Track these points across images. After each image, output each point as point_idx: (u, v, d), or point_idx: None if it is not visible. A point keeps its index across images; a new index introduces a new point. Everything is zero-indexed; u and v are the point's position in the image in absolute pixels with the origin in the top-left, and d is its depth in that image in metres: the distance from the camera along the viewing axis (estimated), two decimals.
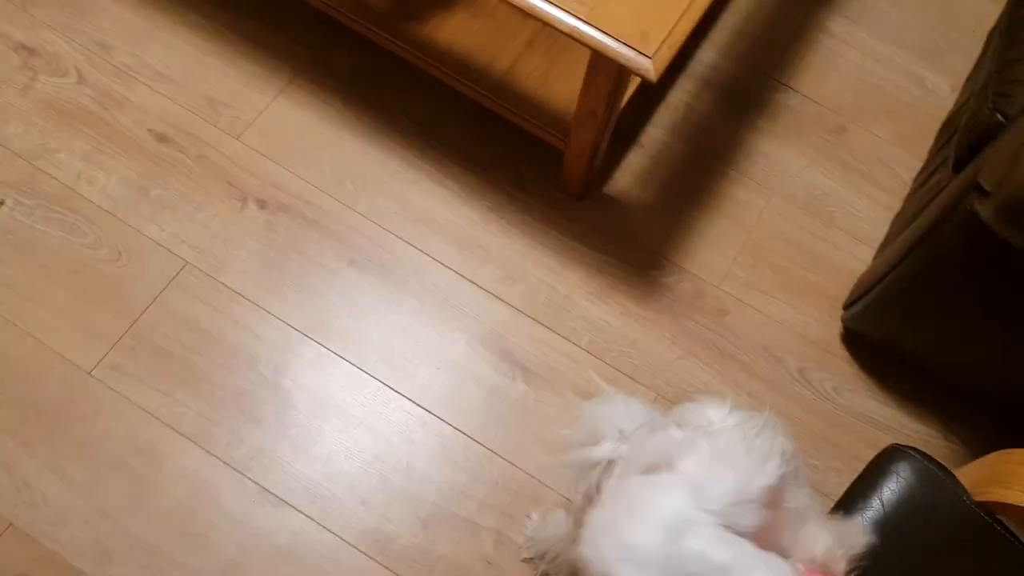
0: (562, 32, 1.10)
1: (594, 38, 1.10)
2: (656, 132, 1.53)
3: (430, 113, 1.50)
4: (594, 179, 1.48)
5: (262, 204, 1.41)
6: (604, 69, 1.18)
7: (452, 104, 1.50)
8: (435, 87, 1.47)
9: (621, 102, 1.34)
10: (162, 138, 1.44)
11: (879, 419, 1.36)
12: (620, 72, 1.18)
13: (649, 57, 1.08)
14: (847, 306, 1.37)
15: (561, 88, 1.40)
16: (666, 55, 1.09)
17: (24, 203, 1.38)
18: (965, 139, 1.08)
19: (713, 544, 0.70)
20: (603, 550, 0.73)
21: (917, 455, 0.92)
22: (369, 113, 1.49)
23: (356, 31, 1.43)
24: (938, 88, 1.62)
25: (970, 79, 1.51)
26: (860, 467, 0.97)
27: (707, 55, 1.61)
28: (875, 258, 1.41)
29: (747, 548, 0.72)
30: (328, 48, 1.53)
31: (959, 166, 1.11)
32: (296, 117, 1.48)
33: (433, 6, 1.43)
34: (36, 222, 1.37)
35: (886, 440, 1.32)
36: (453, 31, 1.42)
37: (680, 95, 1.57)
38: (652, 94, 1.56)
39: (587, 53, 1.16)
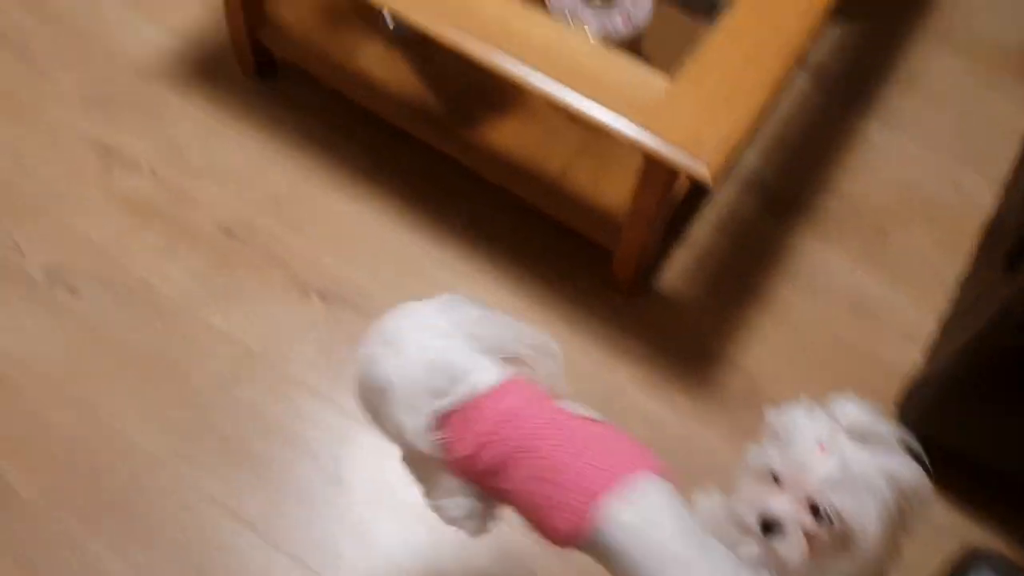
0: (620, 140, 1.16)
1: (650, 146, 1.15)
2: (702, 230, 1.58)
3: (482, 211, 1.56)
4: (642, 274, 1.52)
5: (323, 296, 1.46)
6: (658, 173, 1.23)
7: (504, 203, 1.56)
8: (488, 187, 1.53)
9: (674, 204, 1.39)
10: (229, 232, 1.51)
11: (940, 522, 1.34)
12: (673, 176, 1.23)
13: (706, 163, 1.13)
14: (898, 406, 1.37)
15: (611, 188, 1.45)
16: (723, 161, 1.14)
17: (98, 292, 1.44)
18: (1017, 243, 1.11)
19: (454, 348, 0.88)
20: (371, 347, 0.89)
21: (998, 560, 0.91)
22: (425, 210, 1.55)
23: (413, 134, 1.51)
24: (976, 190, 1.66)
25: (1009, 183, 1.55)
26: (922, 574, 0.95)
27: (749, 159, 1.67)
28: (925, 358, 1.42)
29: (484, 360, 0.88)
30: (387, 148, 1.61)
31: (1011, 268, 1.14)
32: (356, 214, 1.54)
33: (487, 111, 1.51)
34: (109, 311, 1.43)
35: (948, 545, 1.30)
36: (506, 135, 1.49)
37: (725, 196, 1.62)
38: (699, 193, 1.61)
39: (638, 154, 1.21)
